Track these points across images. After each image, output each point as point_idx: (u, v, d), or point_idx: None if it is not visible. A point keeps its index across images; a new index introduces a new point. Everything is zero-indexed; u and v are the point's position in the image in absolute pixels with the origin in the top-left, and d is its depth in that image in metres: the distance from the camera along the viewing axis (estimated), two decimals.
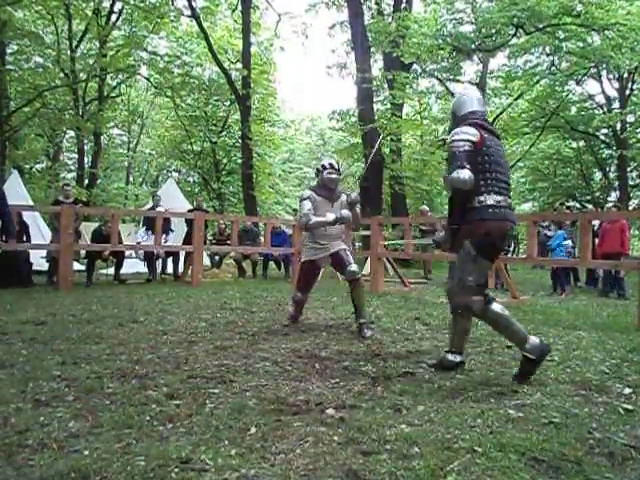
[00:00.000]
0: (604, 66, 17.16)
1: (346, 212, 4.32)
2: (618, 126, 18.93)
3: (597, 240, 8.20)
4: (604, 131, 20.22)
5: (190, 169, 25.97)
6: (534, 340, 2.82)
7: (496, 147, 2.98)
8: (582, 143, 22.13)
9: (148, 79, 19.83)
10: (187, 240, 8.84)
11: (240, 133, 18.13)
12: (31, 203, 10.47)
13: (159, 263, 9.15)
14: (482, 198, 2.85)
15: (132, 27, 18.71)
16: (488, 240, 2.87)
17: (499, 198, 2.87)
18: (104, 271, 9.11)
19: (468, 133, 2.89)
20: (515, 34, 15.35)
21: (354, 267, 4.32)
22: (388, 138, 14.97)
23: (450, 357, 3.10)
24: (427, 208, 12.07)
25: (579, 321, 5.06)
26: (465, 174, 2.79)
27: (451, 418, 2.21)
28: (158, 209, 9.03)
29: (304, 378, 2.84)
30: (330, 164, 4.52)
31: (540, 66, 19.04)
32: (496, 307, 2.88)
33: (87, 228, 9.33)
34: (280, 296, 6.70)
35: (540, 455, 1.84)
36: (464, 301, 2.91)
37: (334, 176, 4.46)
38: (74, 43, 18.09)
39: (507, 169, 3.06)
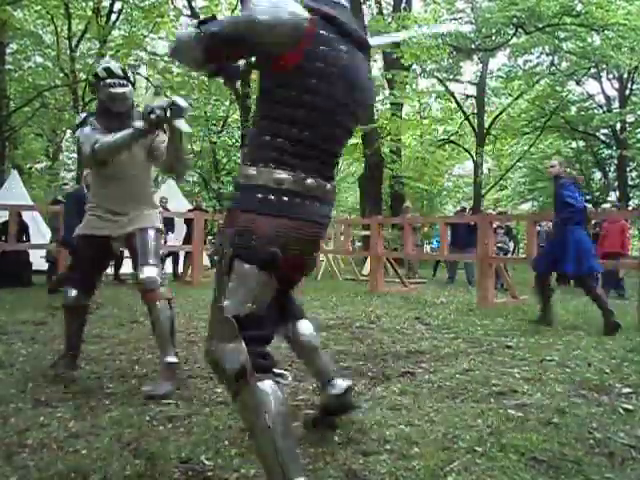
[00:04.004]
0: (604, 66, 17.17)
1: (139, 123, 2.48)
2: (618, 126, 18.94)
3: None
4: (604, 131, 20.23)
5: (189, 169, 25.99)
6: None
7: None
8: (582, 143, 22.13)
9: (148, 79, 19.82)
10: (187, 240, 8.84)
11: (240, 133, 18.13)
12: (30, 203, 10.45)
13: None
14: None
15: (132, 27, 18.69)
16: None
17: None
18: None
19: None
20: (515, 34, 15.35)
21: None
22: (388, 138, 14.98)
23: None
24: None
25: (579, 321, 5.06)
26: None
27: (451, 418, 2.21)
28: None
29: (304, 378, 2.83)
30: (108, 69, 2.68)
31: (540, 66, 19.06)
32: None
33: None
34: None
35: (540, 455, 1.84)
36: None
37: (121, 90, 2.68)
38: (74, 43, 18.08)
39: None
